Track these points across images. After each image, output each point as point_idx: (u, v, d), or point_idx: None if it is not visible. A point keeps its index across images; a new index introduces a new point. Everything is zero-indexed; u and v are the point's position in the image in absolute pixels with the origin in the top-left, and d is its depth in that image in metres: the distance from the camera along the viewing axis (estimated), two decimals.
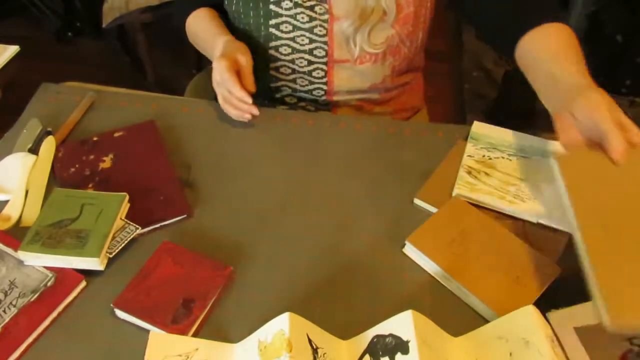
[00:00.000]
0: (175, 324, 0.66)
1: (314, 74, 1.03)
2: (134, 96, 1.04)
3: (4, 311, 0.68)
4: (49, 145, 0.89)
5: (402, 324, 0.61)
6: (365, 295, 0.73)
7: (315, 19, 0.98)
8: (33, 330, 0.66)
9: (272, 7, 0.97)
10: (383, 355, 0.61)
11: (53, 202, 0.78)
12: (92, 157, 0.88)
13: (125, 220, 0.78)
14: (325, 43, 0.99)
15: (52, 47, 2.57)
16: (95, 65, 2.47)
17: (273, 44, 1.01)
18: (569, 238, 0.79)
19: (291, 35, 0.99)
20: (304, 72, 1.03)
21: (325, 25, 0.98)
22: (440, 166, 0.89)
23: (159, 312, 0.67)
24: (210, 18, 1.05)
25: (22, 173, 0.84)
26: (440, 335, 0.65)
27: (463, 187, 0.84)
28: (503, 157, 0.89)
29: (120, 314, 0.69)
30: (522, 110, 1.99)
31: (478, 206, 0.82)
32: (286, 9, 0.97)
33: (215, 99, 0.95)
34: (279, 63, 1.03)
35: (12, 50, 1.16)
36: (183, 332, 0.66)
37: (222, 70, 0.89)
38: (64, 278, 0.72)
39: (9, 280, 0.71)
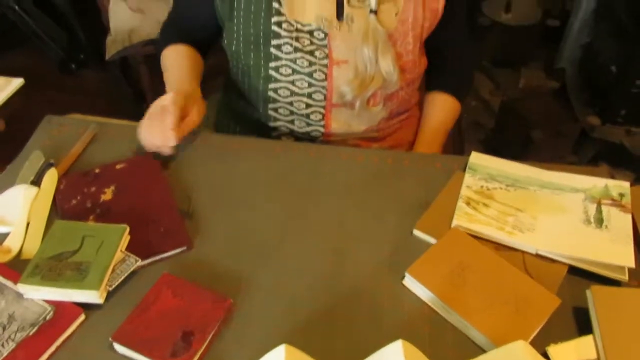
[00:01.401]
0: (175, 357, 0.66)
1: (311, 116, 1.04)
2: (135, 128, 1.05)
3: (2, 345, 0.68)
4: (51, 178, 0.90)
5: (393, 355, 0.61)
6: (364, 326, 0.73)
7: (314, 63, 0.99)
8: None
9: (272, 50, 0.98)
10: None
11: (54, 234, 0.78)
12: (93, 189, 0.89)
13: (126, 252, 0.78)
14: (324, 87, 1.00)
15: (55, 79, 2.60)
16: (98, 96, 2.50)
17: (272, 85, 1.02)
18: (569, 269, 0.79)
19: (290, 78, 1.00)
20: (302, 115, 1.05)
21: (325, 70, 0.99)
22: (439, 197, 0.90)
23: (158, 346, 0.67)
24: (183, 57, 1.05)
25: (23, 205, 0.85)
26: None
27: (462, 218, 0.85)
28: (501, 188, 0.90)
29: (119, 348, 0.68)
30: (519, 140, 2.01)
31: (477, 237, 0.83)
32: (286, 53, 0.98)
33: (215, 128, 0.97)
34: (278, 104, 1.04)
35: (16, 83, 1.18)
36: None
37: (173, 101, 0.89)
38: (63, 311, 0.71)
39: (8, 314, 0.71)
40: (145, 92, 2.24)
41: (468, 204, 0.87)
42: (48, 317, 0.71)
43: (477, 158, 0.96)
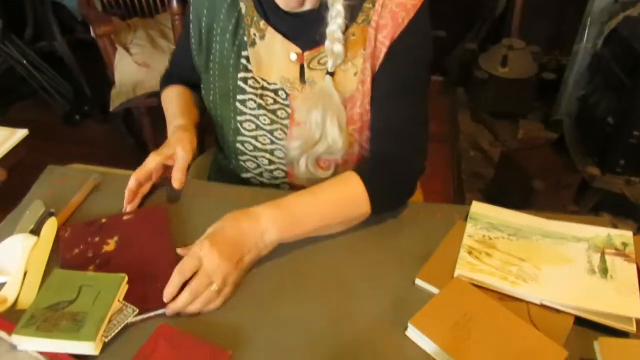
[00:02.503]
0: None
1: (275, 172, 1.05)
2: None
3: None
4: (50, 227, 0.89)
5: None
6: None
7: (276, 122, 1.00)
8: None
9: (238, 104, 1.00)
10: None
11: (51, 283, 0.77)
12: (97, 239, 0.88)
13: (123, 302, 0.76)
14: (284, 147, 1.01)
15: (59, 130, 2.64)
16: (101, 147, 2.53)
17: (239, 138, 1.03)
18: (575, 319, 0.78)
19: (254, 133, 1.02)
20: (267, 170, 1.06)
21: (285, 130, 1.00)
22: (441, 246, 0.89)
23: None
24: (178, 95, 1.11)
25: (21, 254, 0.84)
26: None
27: (464, 267, 0.84)
28: (503, 237, 0.90)
29: None
30: (520, 190, 2.02)
31: (480, 287, 0.81)
32: (250, 109, 1.00)
33: (213, 179, 0.97)
34: (246, 157, 1.06)
35: (20, 134, 1.19)
36: None
37: (148, 163, 0.95)
38: None
39: None
40: (147, 143, 2.27)
41: (470, 253, 0.86)
42: None
43: (478, 207, 0.96)
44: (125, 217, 0.92)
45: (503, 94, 2.54)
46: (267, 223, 0.84)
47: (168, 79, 1.17)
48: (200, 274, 0.77)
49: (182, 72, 1.13)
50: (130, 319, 0.75)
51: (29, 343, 0.71)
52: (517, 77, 2.50)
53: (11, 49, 2.57)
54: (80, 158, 1.17)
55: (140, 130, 2.29)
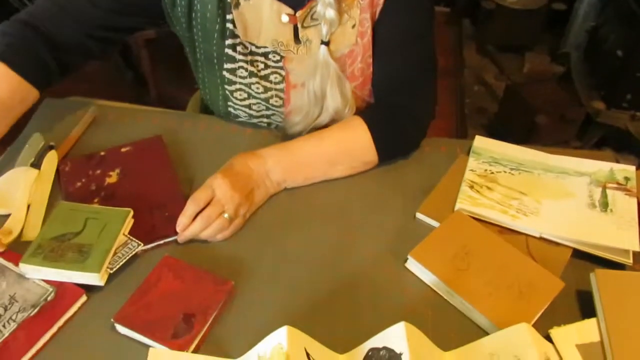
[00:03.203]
0: (176, 339, 0.66)
1: (274, 132, 1.01)
2: (136, 111, 1.05)
3: (4, 326, 0.67)
4: (51, 160, 0.89)
5: (396, 336, 0.61)
6: (367, 310, 0.73)
7: (270, 89, 0.94)
8: (32, 345, 0.66)
9: (225, 73, 0.93)
10: None
11: (57, 215, 0.78)
12: (98, 171, 0.88)
13: (128, 236, 0.77)
14: (282, 113, 0.97)
15: None
16: (99, 81, 2.49)
17: (231, 103, 0.97)
18: (572, 252, 0.79)
19: (246, 102, 0.96)
20: (266, 129, 1.02)
21: (282, 94, 0.94)
22: (442, 180, 0.89)
23: (160, 327, 0.67)
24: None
25: (24, 187, 0.84)
26: (432, 349, 0.65)
27: (465, 201, 0.84)
28: (505, 172, 0.89)
29: (120, 329, 0.68)
30: (524, 125, 2.00)
31: (480, 220, 0.82)
32: (241, 77, 0.93)
33: (212, 113, 0.94)
34: (239, 120, 1.01)
35: None
36: (183, 348, 0.65)
37: None
38: (64, 292, 0.71)
39: (9, 295, 0.71)
40: (145, 76, 2.23)
41: (472, 187, 0.86)
42: (49, 298, 0.70)
43: (481, 142, 0.95)
44: (123, 150, 0.92)
45: (511, 25, 2.47)
46: (271, 163, 0.85)
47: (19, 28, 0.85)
48: (214, 203, 0.79)
49: (62, 30, 0.87)
50: (139, 249, 0.76)
51: (35, 272, 0.72)
52: (526, 7, 2.42)
53: None
54: (78, 92, 1.14)
55: (138, 64, 2.25)
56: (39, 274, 0.72)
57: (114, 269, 0.74)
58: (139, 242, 0.77)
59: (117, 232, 0.76)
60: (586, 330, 0.67)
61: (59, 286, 0.72)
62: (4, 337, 0.66)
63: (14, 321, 0.68)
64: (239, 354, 0.66)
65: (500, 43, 2.55)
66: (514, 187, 0.87)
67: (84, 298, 0.72)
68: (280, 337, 0.60)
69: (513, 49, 2.53)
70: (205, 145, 0.96)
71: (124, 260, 0.75)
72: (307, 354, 0.61)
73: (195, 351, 0.67)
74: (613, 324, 0.66)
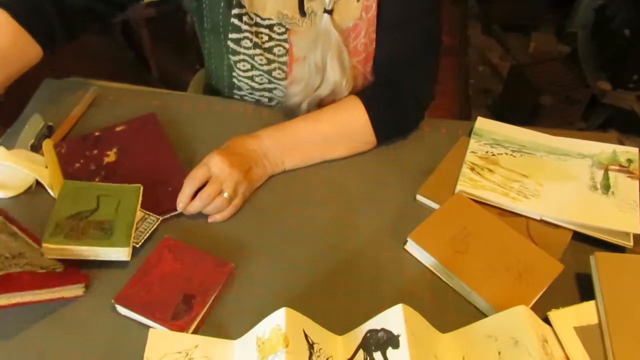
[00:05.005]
0: (176, 320, 0.66)
1: (275, 108, 1.01)
2: (136, 92, 1.04)
3: (9, 266, 0.66)
4: (49, 149, 0.88)
5: (393, 318, 0.61)
6: (366, 291, 0.73)
7: (273, 61, 0.93)
8: (34, 289, 0.65)
9: (230, 43, 0.92)
10: (375, 350, 0.61)
11: (67, 194, 0.77)
12: (95, 152, 0.88)
13: (144, 211, 0.78)
14: (284, 86, 0.96)
15: None
16: (100, 60, 2.47)
17: (235, 74, 0.97)
18: (573, 235, 0.79)
19: (249, 74, 0.95)
20: (267, 106, 1.01)
21: (285, 67, 0.93)
22: (443, 162, 0.89)
23: (160, 308, 0.67)
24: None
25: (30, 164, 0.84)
26: (430, 331, 0.65)
27: (466, 184, 0.84)
28: (507, 154, 0.89)
29: (121, 309, 0.69)
30: (528, 106, 1.98)
31: (481, 203, 0.82)
32: (245, 48, 0.92)
33: (215, 93, 0.93)
34: (242, 92, 1.01)
35: None
36: (183, 329, 0.66)
37: None
38: (72, 273, 0.71)
39: (20, 251, 0.70)
40: (147, 56, 2.21)
41: (472, 169, 0.86)
42: (57, 270, 0.70)
43: (482, 123, 0.94)
44: (118, 129, 0.92)
45: (516, 4, 2.43)
46: (269, 142, 0.85)
47: None
48: (212, 180, 0.79)
49: None
50: (156, 226, 0.77)
51: (60, 252, 0.71)
52: None
53: None
54: (79, 71, 1.14)
55: (139, 43, 2.23)
56: (63, 254, 0.72)
57: (140, 244, 0.75)
58: (157, 217, 0.78)
59: (135, 207, 0.76)
60: (584, 313, 0.68)
61: (67, 266, 0.72)
62: (8, 271, 0.65)
63: (19, 266, 0.67)
64: (239, 335, 0.66)
65: (505, 22, 2.51)
66: (516, 170, 0.86)
67: (82, 287, 0.71)
68: (279, 319, 0.61)
69: (519, 29, 2.50)
70: (206, 126, 0.96)
71: (148, 234, 0.76)
72: (306, 335, 0.61)
73: (195, 332, 0.67)
74: (612, 307, 0.66)
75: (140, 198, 0.78)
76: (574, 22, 2.32)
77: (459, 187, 0.83)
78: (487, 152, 0.89)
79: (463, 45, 2.58)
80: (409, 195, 0.85)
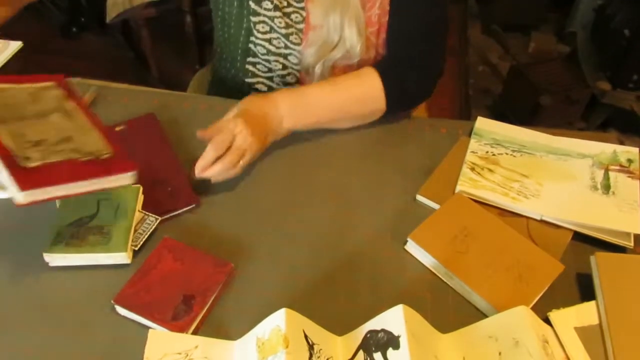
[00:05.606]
0: (176, 320, 0.66)
1: (287, 78, 1.02)
2: (135, 92, 1.04)
3: (50, 153, 0.65)
4: None
5: (394, 319, 0.61)
6: (366, 292, 0.73)
7: (291, 26, 0.95)
8: (73, 180, 0.65)
9: (251, 3, 0.94)
10: (375, 351, 0.61)
11: (67, 200, 0.77)
12: None
13: (143, 212, 0.78)
14: (299, 52, 0.97)
15: (56, 43, 2.57)
16: (100, 60, 2.47)
17: (252, 38, 0.98)
18: (573, 235, 0.78)
19: (267, 36, 0.97)
20: (279, 75, 1.02)
21: (301, 35, 0.95)
22: (443, 162, 0.89)
23: (159, 309, 0.67)
24: None
25: None
26: (430, 331, 0.65)
27: (466, 184, 0.83)
28: (507, 154, 0.89)
29: (120, 310, 0.69)
30: (528, 106, 1.98)
31: (481, 203, 0.81)
32: (266, 9, 0.95)
33: (217, 94, 0.94)
34: (257, 59, 1.01)
35: (14, 46, 1.15)
36: (183, 329, 0.66)
37: None
38: (120, 160, 0.72)
39: (69, 135, 0.69)
40: (146, 55, 2.21)
41: (472, 169, 0.86)
42: (104, 157, 0.70)
43: (483, 123, 0.94)
44: (118, 129, 0.92)
45: (516, 4, 2.43)
46: (285, 110, 0.87)
47: None
48: (235, 149, 0.80)
49: None
50: (157, 223, 0.77)
51: (61, 260, 0.72)
52: None
53: None
54: (79, 71, 1.13)
55: (139, 42, 2.23)
56: (65, 261, 0.73)
57: (138, 246, 0.74)
58: (156, 217, 0.78)
59: (133, 209, 0.76)
60: (585, 313, 0.67)
61: (116, 151, 0.72)
62: (45, 162, 0.64)
63: (63, 154, 0.66)
64: (239, 335, 0.66)
65: (505, 22, 2.51)
66: (516, 169, 0.86)
67: (131, 175, 0.71)
68: (279, 319, 0.60)
69: (518, 29, 2.49)
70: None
71: (146, 236, 0.76)
72: (306, 336, 0.61)
73: (194, 333, 0.67)
74: (612, 307, 0.66)
75: (140, 199, 0.78)
76: (573, 22, 2.32)
77: (459, 187, 0.83)
78: (487, 152, 0.89)
79: (463, 45, 2.58)
80: (409, 195, 0.85)
